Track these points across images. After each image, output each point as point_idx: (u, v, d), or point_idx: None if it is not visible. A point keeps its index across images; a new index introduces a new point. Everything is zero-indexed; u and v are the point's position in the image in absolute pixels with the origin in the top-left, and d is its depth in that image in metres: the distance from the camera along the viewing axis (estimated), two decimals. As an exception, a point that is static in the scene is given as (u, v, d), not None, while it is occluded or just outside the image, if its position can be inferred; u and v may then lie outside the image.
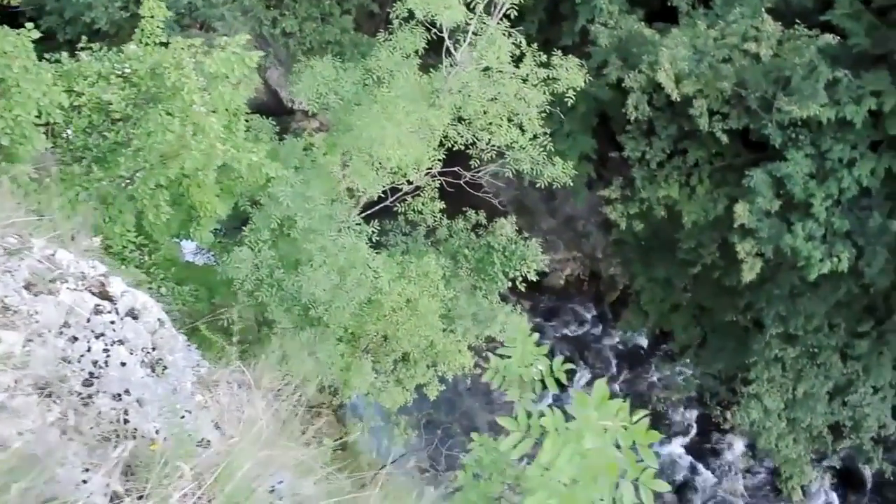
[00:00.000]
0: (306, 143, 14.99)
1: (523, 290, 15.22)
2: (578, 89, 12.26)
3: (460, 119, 12.85)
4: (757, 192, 17.93)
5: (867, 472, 23.61)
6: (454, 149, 13.92)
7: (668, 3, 20.54)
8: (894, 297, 19.11)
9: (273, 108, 28.55)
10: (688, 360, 24.28)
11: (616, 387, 25.88)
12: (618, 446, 3.23)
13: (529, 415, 3.76)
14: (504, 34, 11.99)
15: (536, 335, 4.35)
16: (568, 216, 26.59)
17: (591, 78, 20.80)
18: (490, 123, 12.46)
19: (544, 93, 11.90)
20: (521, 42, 12.05)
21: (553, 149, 22.14)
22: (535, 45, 22.00)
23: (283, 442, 6.03)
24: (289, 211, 11.93)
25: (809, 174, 17.95)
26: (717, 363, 23.22)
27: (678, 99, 18.24)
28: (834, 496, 24.70)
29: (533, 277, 14.48)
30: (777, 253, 18.38)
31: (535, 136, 12.34)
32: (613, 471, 3.07)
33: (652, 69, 18.05)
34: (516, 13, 12.13)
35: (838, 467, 24.12)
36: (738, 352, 22.22)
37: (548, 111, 22.46)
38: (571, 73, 12.06)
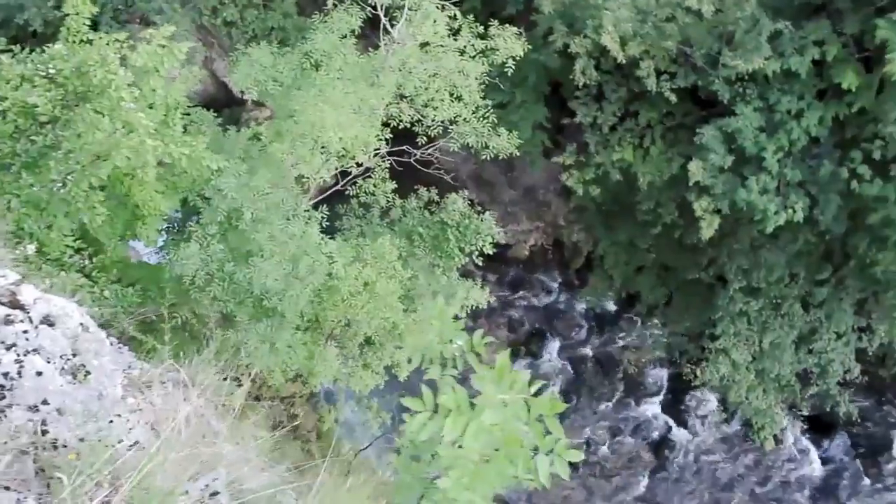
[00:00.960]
0: (253, 132, 14.78)
1: (480, 263, 15.18)
2: (519, 58, 12.13)
3: (402, 97, 12.71)
4: (709, 148, 18.00)
5: (836, 416, 24.01)
6: (400, 127, 13.78)
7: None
8: (850, 244, 19.31)
9: (223, 100, 28.13)
10: (655, 321, 24.49)
11: (587, 352, 26.09)
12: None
13: (436, 394, 3.70)
14: (438, 7, 11.84)
15: (452, 311, 4.27)
16: (528, 186, 26.55)
17: (529, 46, 20.94)
18: (432, 99, 12.33)
19: (483, 64, 11.79)
20: (455, 15, 11.90)
21: (506, 120, 22.38)
22: (480, 18, 21.87)
23: (221, 437, 5.96)
24: (234, 203, 11.75)
25: (759, 127, 18.03)
26: (684, 321, 23.44)
27: (625, 61, 18.20)
28: (806, 442, 25.14)
29: (489, 251, 14.43)
30: (733, 208, 18.48)
31: (477, 109, 12.22)
32: (515, 445, 3.03)
33: (596, 33, 17.97)
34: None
35: (808, 414, 24.51)
36: (704, 308, 22.44)
37: (495, 82, 22.49)
38: (510, 43, 11.95)
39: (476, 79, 11.67)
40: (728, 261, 21.47)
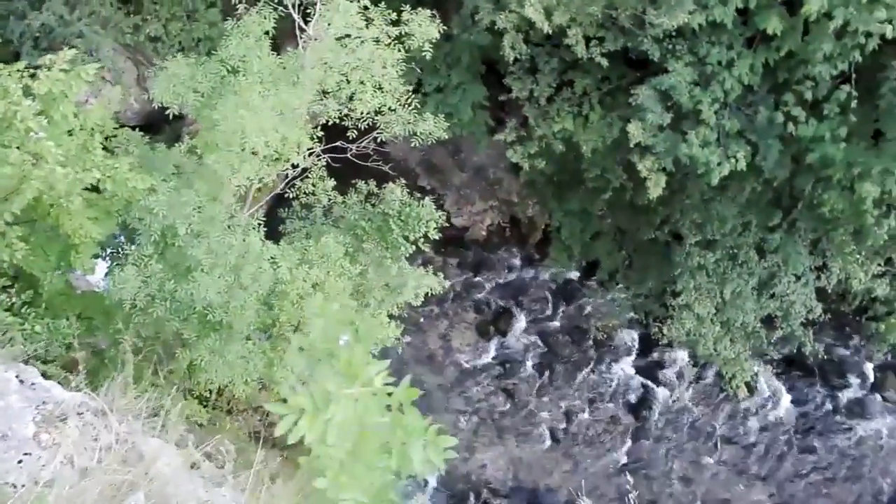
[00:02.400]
0: (188, 146, 14.58)
1: (441, 249, 15.12)
2: (449, 40, 12.06)
3: (325, 93, 12.58)
4: (646, 108, 18.05)
5: (804, 356, 24.35)
6: (330, 124, 13.65)
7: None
8: (796, 187, 19.50)
9: (161, 117, 27.79)
10: (618, 285, 24.61)
11: (556, 323, 26.20)
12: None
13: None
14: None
15: (336, 306, 4.19)
16: (477, 167, 26.53)
17: (458, 26, 20.88)
18: (355, 92, 12.22)
19: (399, 51, 11.69)
20: (366, 5, 11.77)
21: (446, 102, 22.33)
22: (410, 3, 21.69)
23: (149, 459, 5.85)
24: (167, 220, 11.58)
25: (693, 82, 18.10)
26: (645, 282, 23.60)
27: (553, 31, 18.17)
28: (778, 385, 25.51)
29: (435, 236, 14.39)
30: (677, 164, 18.59)
31: (400, 97, 12.11)
32: (368, 439, 2.98)
33: (521, 6, 17.92)
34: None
35: (777, 357, 24.84)
36: (663, 267, 22.61)
37: (434, 66, 22.38)
38: (424, 27, 11.86)
39: (393, 66, 11.57)
40: (680, 217, 21.64)
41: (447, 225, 15.02)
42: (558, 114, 19.96)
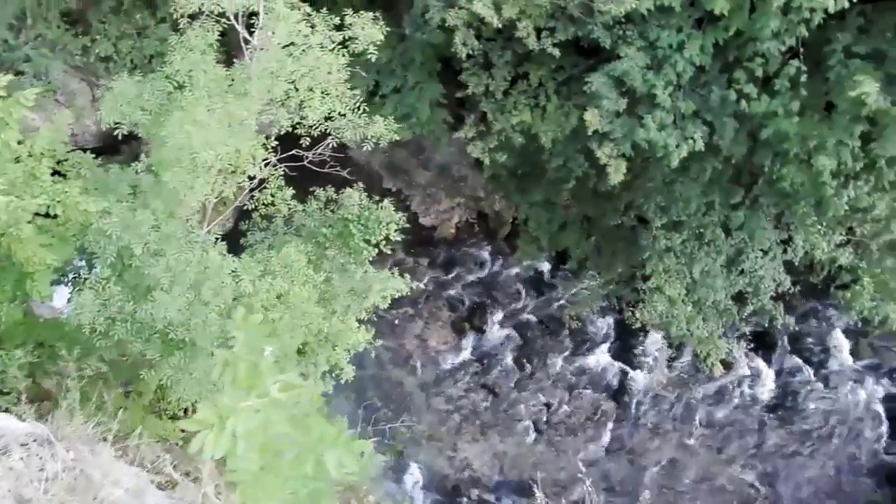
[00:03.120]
0: (145, 164, 14.44)
1: (396, 251, 15.06)
2: (387, 43, 12.01)
3: (274, 102, 12.49)
4: (600, 95, 18.12)
5: (777, 329, 24.61)
6: (282, 133, 13.57)
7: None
8: (755, 163, 19.65)
9: (120, 137, 27.52)
10: (589, 272, 24.72)
11: (530, 316, 26.27)
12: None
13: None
14: (291, 7, 11.63)
15: (259, 318, 4.16)
16: (441, 165, 26.52)
17: (409, 26, 20.88)
18: (303, 100, 12.14)
19: (344, 56, 11.63)
20: (309, 13, 11.70)
21: (404, 103, 22.30)
22: (359, 7, 21.52)
23: (97, 485, 5.79)
24: (121, 241, 11.46)
25: (646, 66, 18.18)
26: (615, 268, 23.72)
27: (503, 25, 18.19)
28: (755, 360, 25.76)
29: (396, 237, 14.35)
30: (636, 149, 18.67)
31: (348, 101, 12.04)
32: (277, 450, 2.96)
33: (470, 2, 17.92)
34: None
35: (751, 333, 25.09)
36: (631, 251, 22.75)
37: (391, 68, 22.33)
38: (367, 29, 11.81)
39: (339, 71, 11.51)
40: (645, 201, 21.75)
41: (408, 226, 14.94)
42: (515, 106, 20.00)
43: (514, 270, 26.51)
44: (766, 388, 25.58)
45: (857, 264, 20.35)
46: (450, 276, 26.37)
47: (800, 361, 26.13)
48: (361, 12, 11.80)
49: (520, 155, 22.30)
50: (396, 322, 25.77)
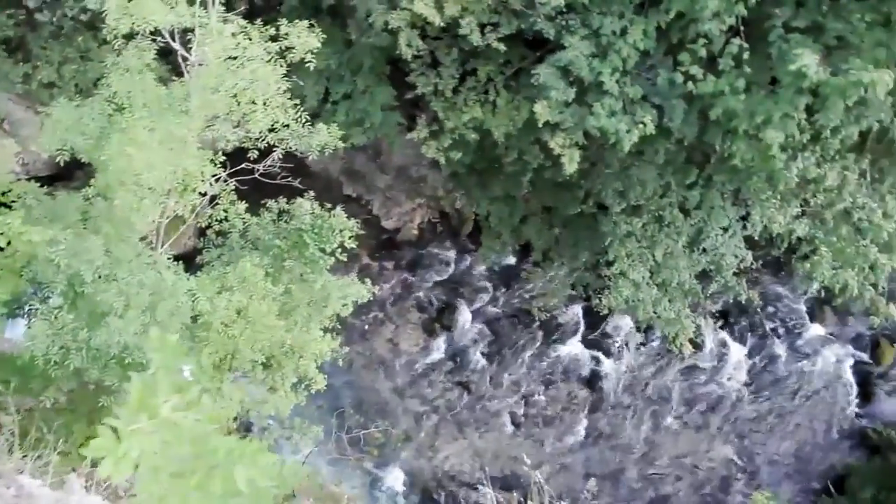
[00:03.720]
0: (95, 190, 14.27)
1: (342, 258, 14.97)
2: (316, 50, 11.92)
3: (217, 117, 12.40)
4: (549, 86, 18.15)
5: (742, 304, 24.89)
6: (229, 149, 13.48)
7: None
8: (706, 142, 19.77)
9: (74, 164, 27.19)
10: (554, 263, 24.80)
11: (499, 311, 26.33)
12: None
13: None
14: (225, 22, 11.55)
15: (175, 337, 4.12)
16: (400, 167, 26.47)
17: (353, 31, 20.82)
18: (245, 114, 12.06)
19: (281, 66, 11.56)
20: (244, 26, 11.62)
21: (356, 108, 22.22)
22: (304, 15, 21.41)
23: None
24: (70, 269, 11.32)
25: (591, 54, 18.25)
26: (578, 256, 23.83)
27: (446, 23, 18.19)
28: (723, 336, 26.05)
29: (352, 244, 14.30)
30: (589, 137, 18.75)
31: (288, 111, 11.96)
32: (167, 471, 2.93)
33: (411, 2, 17.89)
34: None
35: (716, 310, 25.37)
36: (593, 239, 22.85)
37: (339, 74, 22.23)
38: (303, 38, 11.74)
39: (277, 82, 11.44)
40: (602, 187, 21.86)
41: (363, 232, 14.89)
42: (466, 104, 20.00)
43: (480, 267, 26.56)
44: (737, 362, 25.89)
45: (814, 234, 20.61)
46: (416, 277, 26.35)
47: (768, 334, 26.47)
48: (297, 21, 11.72)
49: (476, 151, 22.30)
50: (366, 328, 25.71)
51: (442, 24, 18.15)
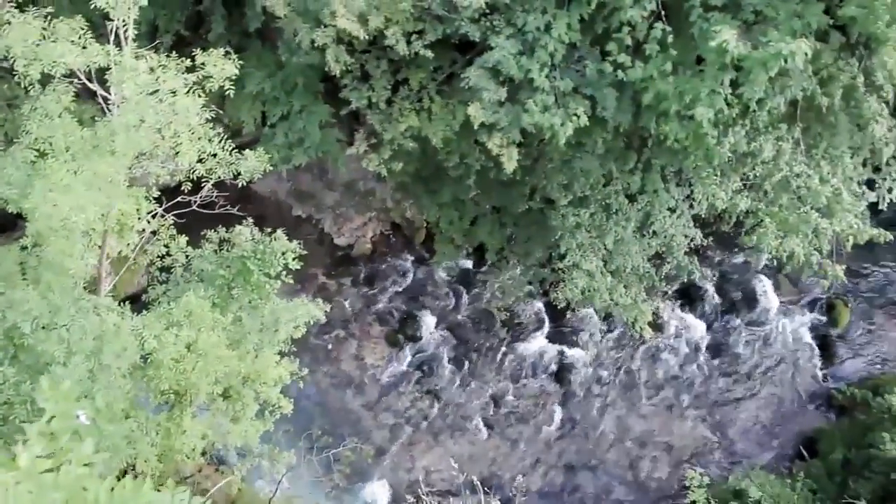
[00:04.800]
0: (32, 240, 14.07)
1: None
2: (235, 77, 11.86)
3: (143, 154, 12.30)
4: (480, 88, 18.25)
5: (696, 282, 25.22)
6: (160, 182, 13.40)
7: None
8: (642, 127, 20.00)
9: (17, 215, 26.80)
10: (509, 262, 24.91)
11: (461, 315, 26.37)
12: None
13: None
14: (139, 58, 11.47)
15: (67, 384, 4.09)
16: (346, 183, 26.45)
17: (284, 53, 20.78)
18: (171, 147, 11.98)
19: (199, 96, 11.48)
20: (160, 60, 11.54)
21: (295, 129, 22.18)
22: (233, 42, 21.19)
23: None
24: (6, 322, 11.14)
25: (518, 52, 18.37)
26: (532, 253, 23.95)
27: (371, 37, 18.23)
28: (682, 316, 26.33)
29: (296, 266, 14.26)
30: (525, 134, 18.88)
31: (210, 140, 11.87)
32: None
33: (334, 19, 17.90)
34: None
35: (673, 291, 25.64)
36: (544, 234, 22.99)
37: (275, 96, 22.16)
38: (219, 66, 11.69)
39: (198, 113, 11.37)
40: (547, 182, 22.03)
41: (313, 252, 14.85)
42: (401, 113, 20.04)
43: (438, 274, 26.60)
44: (700, 339, 26.20)
45: (756, 207, 20.93)
46: (375, 290, 26.32)
47: (727, 308, 26.82)
48: (211, 50, 11.67)
49: (419, 159, 22.38)
50: (330, 347, 25.62)
51: (367, 38, 18.17)
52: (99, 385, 10.55)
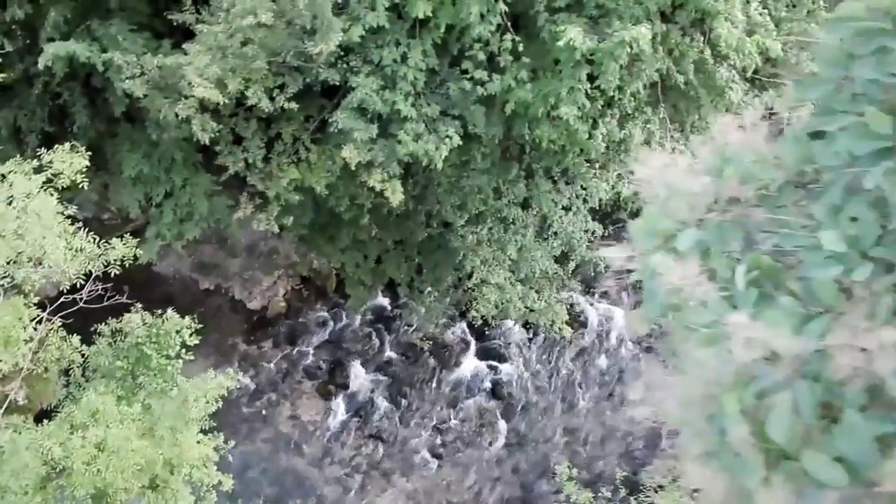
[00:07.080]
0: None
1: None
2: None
3: (10, 262, 12.03)
4: (349, 129, 18.42)
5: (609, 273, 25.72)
6: (36, 287, 13.10)
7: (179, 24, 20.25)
8: (517, 135, 20.47)
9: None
10: (422, 292, 25.03)
11: (387, 355, 26.34)
12: None
13: None
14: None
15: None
16: (247, 246, 26.25)
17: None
18: (37, 250, 11.76)
19: (52, 194, 11.33)
20: (7, 166, 11.38)
21: (180, 204, 21.94)
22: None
23: None
24: None
25: (380, 87, 18.63)
26: (442, 279, 24.12)
27: (232, 100, 18.24)
28: (603, 307, 26.82)
29: (194, 341, 14.08)
30: (403, 165, 19.09)
31: (73, 235, 11.73)
32: None
33: (192, 89, 17.85)
34: None
35: (584, 286, 26.13)
36: (448, 258, 23.24)
37: (155, 175, 21.91)
38: (68, 160, 11.57)
39: (53, 211, 11.21)
40: (441, 206, 22.28)
41: (191, 331, 14.62)
42: (280, 168, 20.03)
43: (357, 318, 26.53)
44: (623, 327, 26.67)
45: (636, 192, 21.53)
46: (298, 347, 26.10)
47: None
48: (56, 146, 11.53)
49: (311, 209, 22.35)
50: (264, 412, 25.25)
51: (230, 101, 18.17)
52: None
